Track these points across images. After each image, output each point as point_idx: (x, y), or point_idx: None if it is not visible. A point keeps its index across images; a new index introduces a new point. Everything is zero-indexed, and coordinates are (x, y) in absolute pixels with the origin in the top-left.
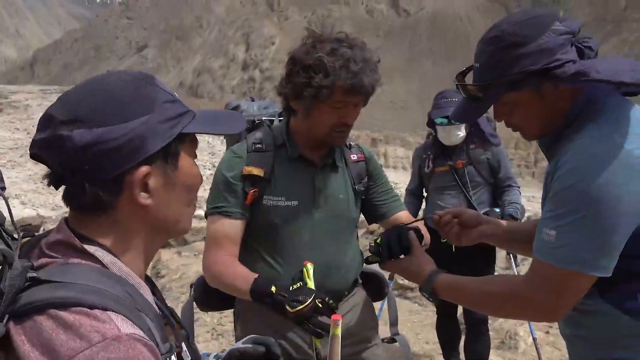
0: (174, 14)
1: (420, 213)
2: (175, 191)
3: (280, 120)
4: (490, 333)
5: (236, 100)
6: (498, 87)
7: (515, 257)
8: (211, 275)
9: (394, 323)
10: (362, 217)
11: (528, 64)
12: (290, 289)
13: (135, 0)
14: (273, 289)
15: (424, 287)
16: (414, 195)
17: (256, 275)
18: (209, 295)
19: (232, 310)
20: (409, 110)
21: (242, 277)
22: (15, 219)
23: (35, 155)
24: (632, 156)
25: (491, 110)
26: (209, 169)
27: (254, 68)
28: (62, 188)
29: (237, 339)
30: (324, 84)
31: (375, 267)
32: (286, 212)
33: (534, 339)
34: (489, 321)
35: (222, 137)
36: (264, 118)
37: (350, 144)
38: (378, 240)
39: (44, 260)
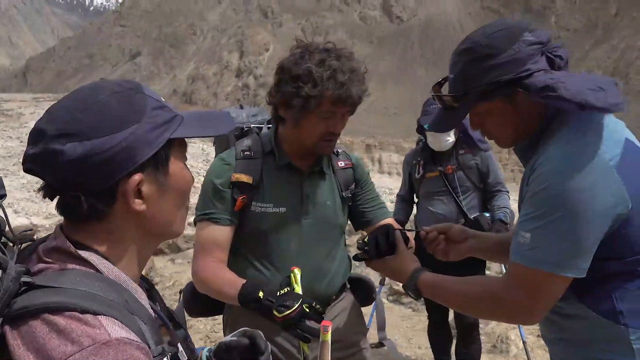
0: (167, 21)
1: (411, 218)
2: (168, 195)
3: (269, 128)
4: (482, 337)
5: (226, 108)
6: (471, 97)
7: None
8: (200, 281)
9: (382, 328)
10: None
11: (499, 74)
12: (278, 294)
13: (128, 9)
14: (260, 294)
15: (408, 284)
16: (405, 201)
17: (244, 281)
18: (198, 301)
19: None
20: (402, 116)
21: (230, 282)
22: (22, 230)
23: (29, 170)
24: (603, 159)
25: None
26: (203, 176)
27: (248, 75)
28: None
29: None
30: (312, 94)
31: (364, 271)
32: (274, 219)
33: (524, 342)
34: (481, 325)
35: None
36: (252, 125)
37: (337, 151)
38: (366, 239)
39: (41, 265)
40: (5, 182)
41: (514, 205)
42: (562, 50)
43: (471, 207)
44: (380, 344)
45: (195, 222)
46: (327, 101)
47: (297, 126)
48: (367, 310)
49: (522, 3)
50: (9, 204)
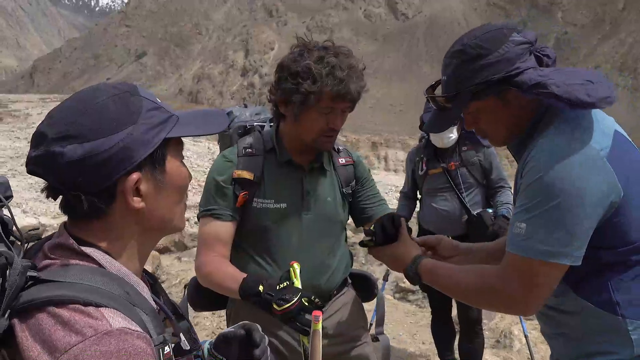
0: (172, 21)
1: (415, 215)
2: (166, 192)
3: (271, 126)
4: (486, 332)
5: (231, 107)
6: (464, 96)
7: None
8: (202, 276)
9: (380, 323)
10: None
11: (490, 73)
12: (277, 288)
13: (133, 9)
14: (261, 288)
15: (409, 269)
16: (408, 197)
17: (245, 275)
18: (201, 295)
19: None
20: (408, 114)
21: (231, 276)
22: (29, 228)
23: (32, 171)
24: (593, 149)
25: None
26: None
27: (253, 74)
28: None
29: None
30: (311, 90)
31: (370, 268)
32: (275, 215)
33: (526, 337)
34: (484, 321)
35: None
36: (255, 124)
37: (338, 148)
38: (372, 227)
39: (46, 261)
40: (13, 182)
41: None
42: (549, 49)
43: (474, 203)
44: (375, 339)
45: (198, 218)
46: (326, 97)
47: (297, 122)
48: (371, 306)
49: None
50: (17, 204)
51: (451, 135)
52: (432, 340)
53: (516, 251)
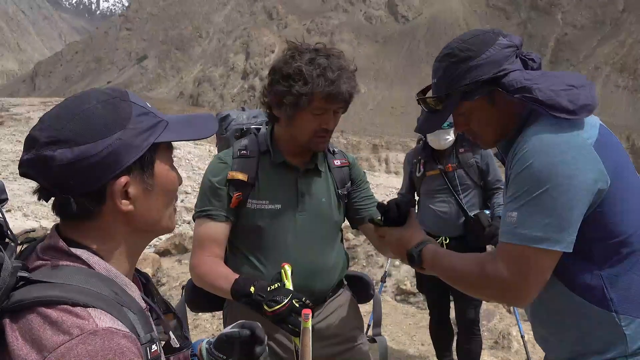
0: (173, 24)
1: None
2: (155, 195)
3: (267, 128)
4: (484, 333)
5: (227, 110)
6: (454, 97)
7: None
8: (196, 276)
9: (377, 324)
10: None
11: (478, 74)
12: (268, 289)
13: (134, 12)
14: (252, 289)
15: (413, 250)
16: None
17: (237, 276)
18: (199, 296)
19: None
20: (409, 116)
21: (224, 277)
22: (17, 230)
23: (24, 174)
24: (580, 137)
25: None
26: None
27: (254, 76)
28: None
29: None
30: (303, 92)
31: (371, 271)
32: (270, 215)
33: (522, 337)
34: (482, 322)
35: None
36: (252, 126)
37: (333, 150)
38: (386, 203)
39: (38, 262)
40: (14, 185)
41: None
42: (535, 55)
43: (471, 204)
44: (372, 340)
45: (194, 219)
46: (318, 98)
47: (291, 124)
48: (369, 308)
49: (527, 0)
50: (18, 207)
51: (448, 137)
52: (431, 342)
53: (508, 239)
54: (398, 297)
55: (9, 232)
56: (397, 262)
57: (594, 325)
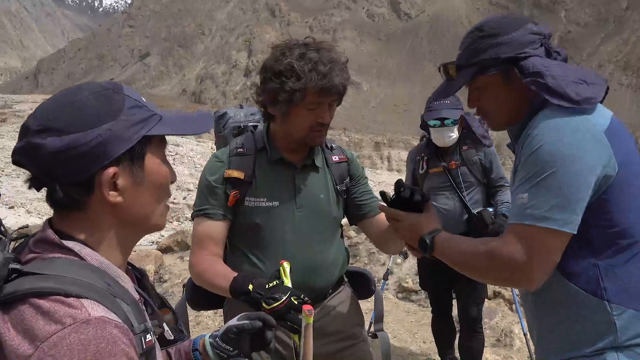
0: (175, 21)
1: None
2: (144, 189)
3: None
4: (487, 331)
5: (225, 108)
6: (471, 68)
7: None
8: (195, 274)
9: (378, 320)
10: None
11: (499, 51)
12: (267, 287)
13: (137, 9)
14: (250, 287)
15: (426, 236)
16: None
17: (236, 274)
18: (199, 294)
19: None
20: (411, 113)
21: (222, 275)
22: (19, 227)
23: (16, 162)
24: (593, 124)
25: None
26: None
27: (256, 74)
28: None
29: None
30: (296, 88)
31: (373, 268)
32: (268, 213)
33: (525, 335)
34: (485, 320)
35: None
36: (250, 124)
37: (332, 146)
38: (402, 183)
39: (30, 255)
40: (18, 182)
41: None
42: (561, 49)
43: (474, 202)
44: (374, 335)
45: (193, 218)
46: (311, 92)
47: (286, 120)
48: (371, 305)
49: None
50: (21, 204)
51: (452, 134)
52: (433, 339)
53: (518, 220)
54: (400, 295)
55: (1, 227)
56: (399, 260)
57: (585, 315)
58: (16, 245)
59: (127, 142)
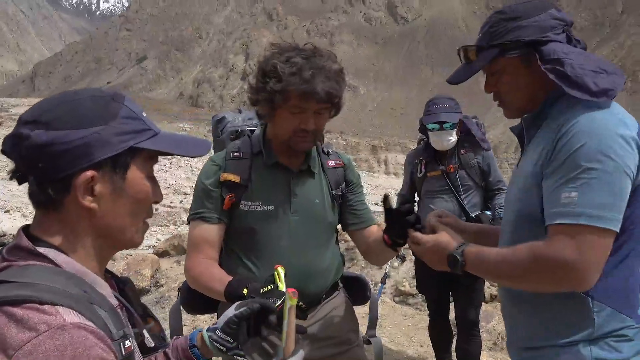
0: (173, 25)
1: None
2: (122, 200)
3: None
4: (483, 334)
5: (222, 112)
6: (492, 50)
7: None
8: (191, 278)
9: (372, 326)
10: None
11: (521, 34)
12: (261, 291)
13: (134, 13)
14: (245, 291)
15: (455, 252)
16: (406, 200)
17: (231, 278)
18: (194, 298)
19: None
20: (408, 117)
21: (217, 279)
22: (15, 231)
23: (4, 151)
24: (628, 129)
25: (481, 116)
26: None
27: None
28: None
29: None
30: (276, 89)
31: (365, 270)
32: (263, 217)
33: None
34: (482, 323)
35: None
36: (247, 128)
37: (328, 151)
38: (410, 208)
39: (4, 263)
40: (14, 186)
41: None
42: (582, 41)
43: (472, 205)
44: (367, 341)
45: (188, 221)
46: (294, 96)
47: (272, 121)
48: (367, 309)
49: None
50: (17, 207)
51: (450, 137)
52: (430, 343)
53: (569, 220)
54: (397, 299)
55: None
56: (396, 264)
57: (566, 307)
58: None
59: (111, 148)
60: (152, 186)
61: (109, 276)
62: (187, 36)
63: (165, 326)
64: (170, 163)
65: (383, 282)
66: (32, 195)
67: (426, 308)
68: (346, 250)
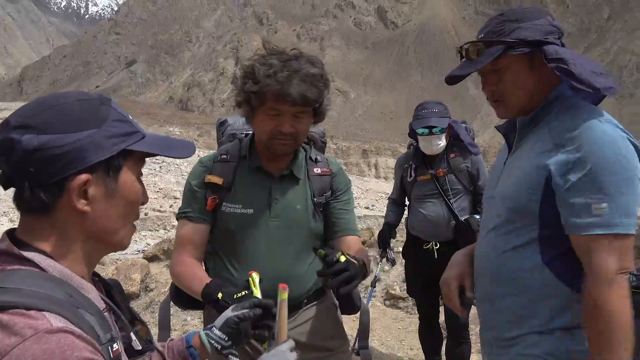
0: (162, 29)
1: (403, 220)
2: (115, 202)
3: None
4: (473, 337)
5: (225, 115)
6: (497, 47)
7: None
8: (174, 274)
9: (363, 336)
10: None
11: (525, 34)
12: (235, 296)
13: (123, 16)
14: (219, 295)
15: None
16: (397, 204)
17: (210, 279)
18: (184, 293)
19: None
20: (398, 121)
21: (198, 279)
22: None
23: None
24: (620, 128)
25: (470, 121)
26: None
27: None
28: None
29: None
30: (252, 90)
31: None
32: (242, 220)
33: None
34: (471, 326)
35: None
36: (245, 132)
37: (316, 158)
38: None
39: None
40: (0, 191)
41: None
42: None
43: (462, 209)
44: (357, 353)
45: (177, 219)
46: (268, 98)
47: (252, 123)
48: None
49: (516, 7)
50: (4, 212)
51: (440, 142)
52: (420, 346)
53: (606, 230)
54: (387, 302)
55: None
56: (387, 267)
57: (548, 294)
58: None
59: (104, 151)
60: (141, 187)
61: (96, 279)
62: (176, 40)
63: (154, 330)
64: (160, 167)
65: (373, 285)
66: (19, 200)
67: (416, 311)
68: None
